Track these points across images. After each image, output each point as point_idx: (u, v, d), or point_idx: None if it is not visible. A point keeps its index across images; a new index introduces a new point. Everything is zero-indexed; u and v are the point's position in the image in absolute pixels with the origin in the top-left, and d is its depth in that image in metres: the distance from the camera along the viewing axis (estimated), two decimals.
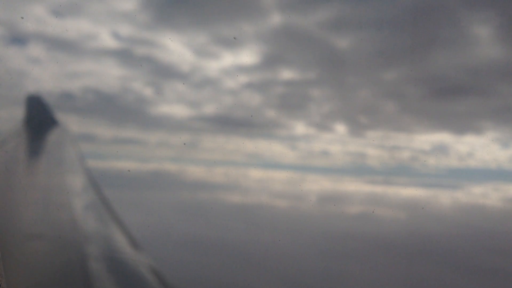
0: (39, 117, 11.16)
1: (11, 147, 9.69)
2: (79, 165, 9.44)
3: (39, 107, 11.53)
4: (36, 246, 5.41)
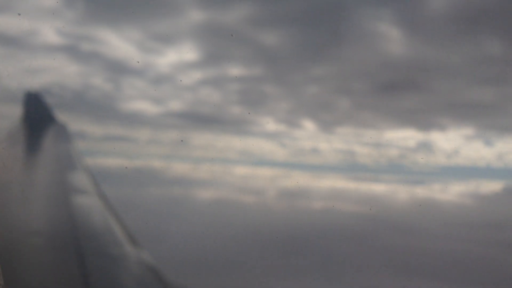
0: (37, 114, 11.16)
1: (9, 144, 9.70)
2: (77, 162, 9.46)
3: (37, 104, 11.53)
4: (34, 243, 5.43)
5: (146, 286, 5.30)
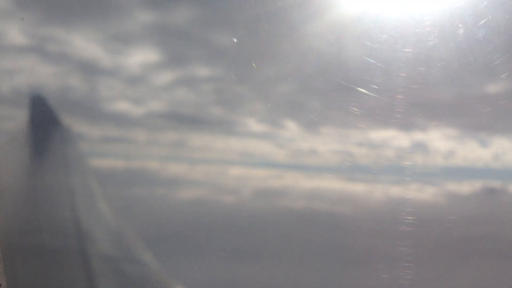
0: (42, 117, 11.20)
1: (13, 146, 9.72)
2: (82, 165, 9.47)
3: (42, 106, 11.56)
4: (38, 245, 5.43)
5: None
